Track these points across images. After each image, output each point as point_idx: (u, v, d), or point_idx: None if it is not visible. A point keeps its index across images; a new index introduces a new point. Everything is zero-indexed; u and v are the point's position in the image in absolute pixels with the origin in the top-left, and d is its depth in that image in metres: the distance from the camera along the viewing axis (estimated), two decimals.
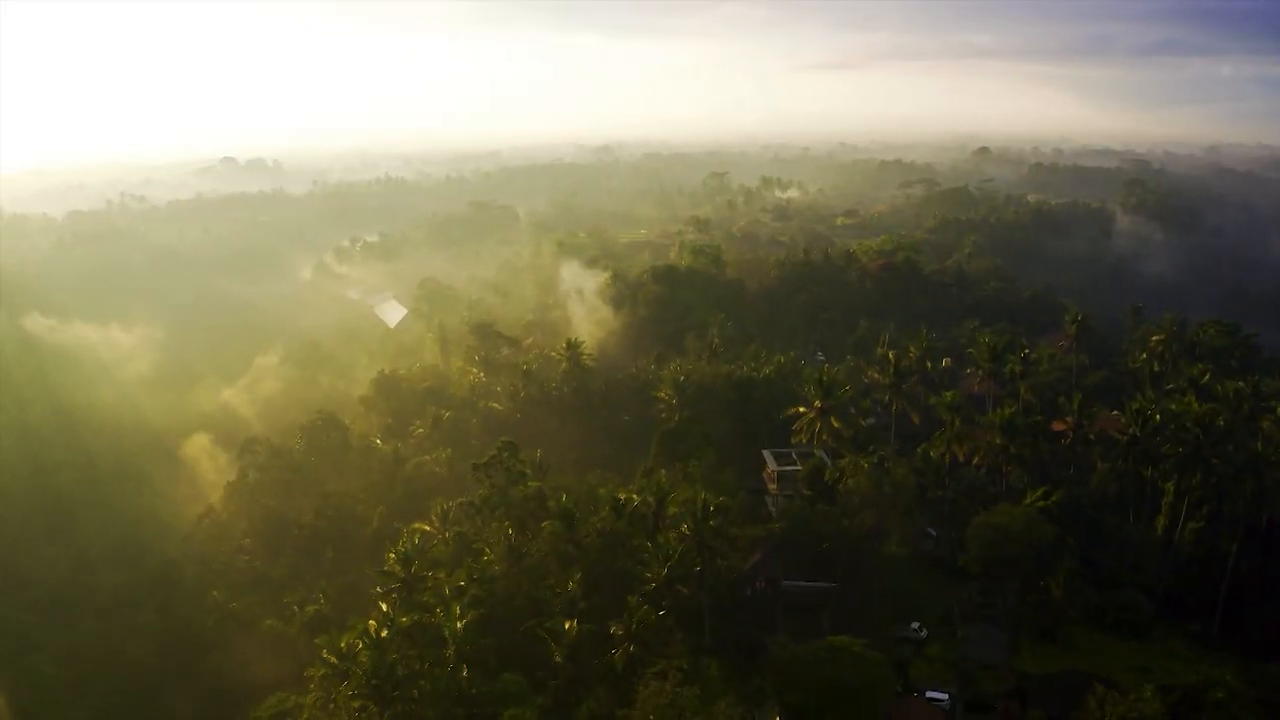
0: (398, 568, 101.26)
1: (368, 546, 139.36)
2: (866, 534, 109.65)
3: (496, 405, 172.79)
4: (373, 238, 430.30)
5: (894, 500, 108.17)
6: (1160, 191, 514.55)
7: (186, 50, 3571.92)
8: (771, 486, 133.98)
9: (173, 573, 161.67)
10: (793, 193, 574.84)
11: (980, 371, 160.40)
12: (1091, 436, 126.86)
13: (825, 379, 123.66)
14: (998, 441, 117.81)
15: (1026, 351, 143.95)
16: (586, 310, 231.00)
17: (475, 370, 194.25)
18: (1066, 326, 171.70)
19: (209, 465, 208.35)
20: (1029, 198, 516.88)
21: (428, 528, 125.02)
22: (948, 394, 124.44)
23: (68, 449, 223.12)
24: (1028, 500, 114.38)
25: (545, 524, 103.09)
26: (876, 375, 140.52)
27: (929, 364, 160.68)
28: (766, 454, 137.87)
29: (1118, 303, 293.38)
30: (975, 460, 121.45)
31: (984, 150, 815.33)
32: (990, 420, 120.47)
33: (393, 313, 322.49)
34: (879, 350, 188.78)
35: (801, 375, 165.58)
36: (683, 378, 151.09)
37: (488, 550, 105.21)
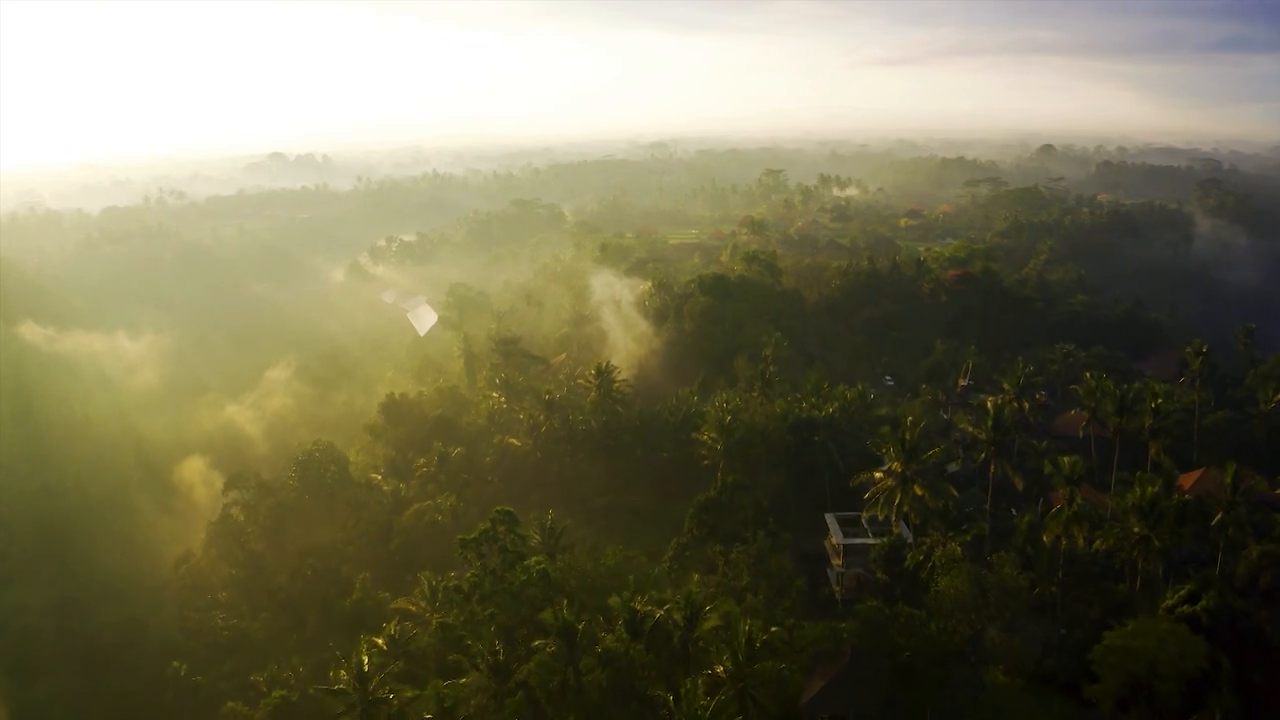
0: (352, 687, 77.89)
1: (348, 618, 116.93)
2: (962, 645, 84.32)
3: (514, 441, 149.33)
4: (410, 237, 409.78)
5: (1000, 607, 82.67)
6: (1237, 192, 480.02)
7: (246, 46, 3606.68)
8: (836, 561, 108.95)
9: (140, 629, 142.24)
10: (851, 191, 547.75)
11: (1086, 414, 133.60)
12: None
13: (908, 436, 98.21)
14: (1136, 530, 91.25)
15: (1159, 401, 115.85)
16: (625, 324, 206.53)
17: (496, 394, 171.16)
18: (1189, 359, 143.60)
19: (204, 493, 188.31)
20: (1101, 198, 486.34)
21: (412, 607, 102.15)
22: (1066, 460, 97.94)
23: (59, 471, 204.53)
24: (1168, 600, 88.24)
25: (538, 643, 79.17)
26: (969, 428, 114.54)
27: (1025, 405, 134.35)
28: (830, 520, 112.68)
29: (1210, 316, 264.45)
30: (1096, 543, 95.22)
31: (1048, 148, 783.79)
32: (1126, 503, 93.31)
33: (423, 319, 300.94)
34: (959, 379, 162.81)
35: (871, 412, 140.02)
36: (729, 418, 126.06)
37: (468, 664, 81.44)
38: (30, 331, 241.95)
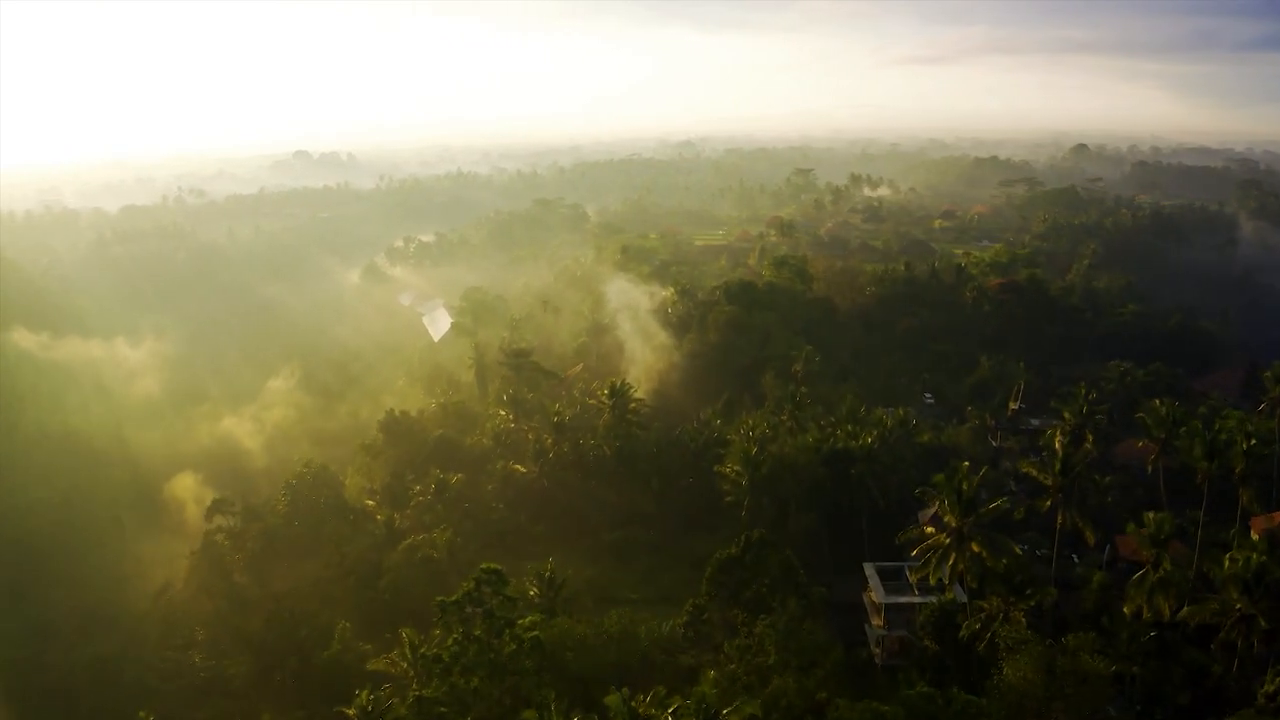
0: None
1: (326, 672, 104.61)
2: None
3: (519, 467, 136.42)
4: (428, 238, 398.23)
5: (1076, 699, 68.81)
6: (1278, 194, 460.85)
7: (277, 45, 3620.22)
8: (876, 621, 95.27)
9: (114, 668, 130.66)
10: (883, 191, 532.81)
11: (1154, 446, 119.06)
12: None
13: (965, 486, 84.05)
14: (1238, 607, 76.80)
15: (1252, 443, 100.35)
16: (645, 334, 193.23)
17: (503, 412, 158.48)
18: (1269, 385, 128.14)
19: (195, 512, 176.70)
20: (1140, 199, 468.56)
21: (393, 669, 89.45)
22: (1151, 518, 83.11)
23: (48, 486, 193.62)
24: (1268, 685, 74.05)
25: None
26: (1033, 471, 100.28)
27: (1090, 438, 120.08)
28: (870, 572, 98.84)
29: (1259, 325, 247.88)
30: (1185, 614, 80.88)
31: (1082, 148, 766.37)
32: (1224, 572, 78.45)
33: (439, 324, 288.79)
34: (1010, 402, 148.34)
35: (913, 440, 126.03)
36: (755, 449, 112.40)
37: None
38: (24, 337, 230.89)
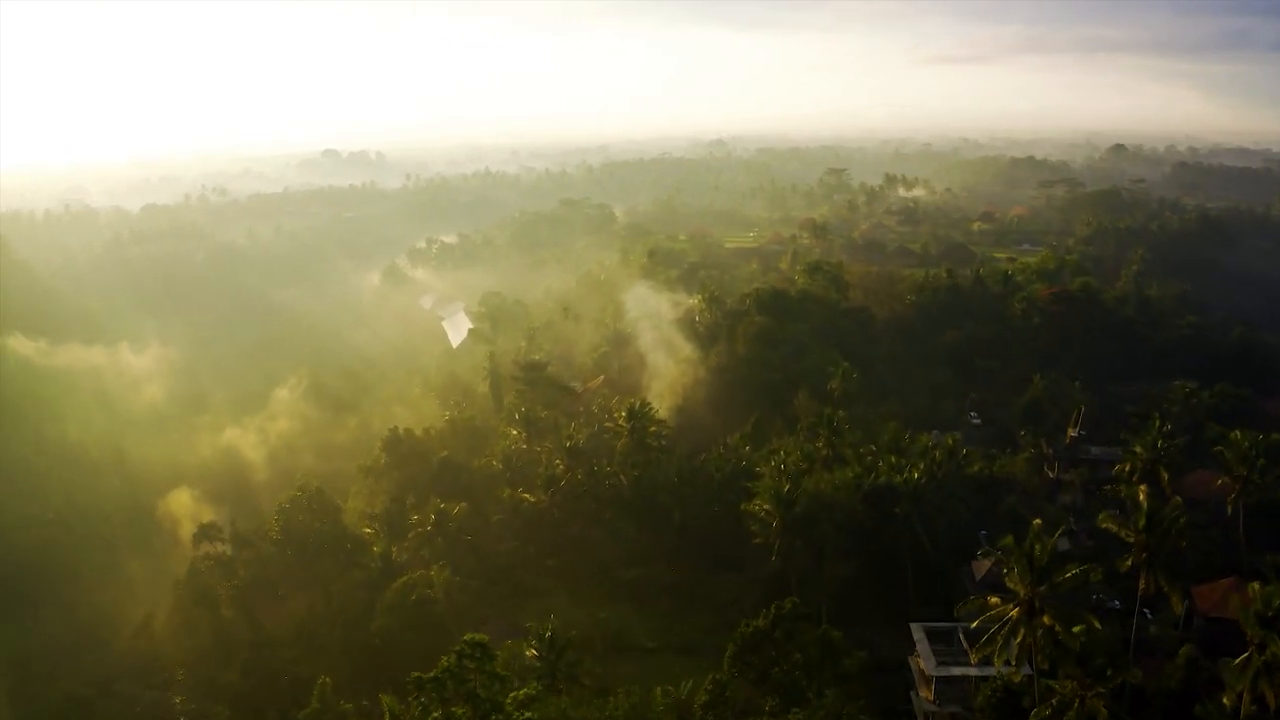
0: None
1: None
2: None
3: (528, 496, 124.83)
4: (450, 238, 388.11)
5: None
6: None
7: (308, 43, 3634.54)
8: (925, 693, 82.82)
9: (87, 707, 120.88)
10: (918, 192, 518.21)
11: (1234, 483, 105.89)
12: None
13: (1037, 550, 71.14)
14: None
15: None
16: (669, 346, 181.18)
17: (515, 432, 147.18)
18: None
19: (190, 530, 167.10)
20: (1184, 201, 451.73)
21: None
22: (1257, 591, 69.76)
23: (43, 501, 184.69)
24: None
25: None
26: (1113, 527, 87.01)
27: (1164, 475, 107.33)
28: (919, 635, 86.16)
29: None
30: None
31: (1120, 148, 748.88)
32: None
33: (458, 329, 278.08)
34: (1069, 428, 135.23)
35: (963, 471, 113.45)
36: (787, 486, 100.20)
37: None
38: (23, 344, 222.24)
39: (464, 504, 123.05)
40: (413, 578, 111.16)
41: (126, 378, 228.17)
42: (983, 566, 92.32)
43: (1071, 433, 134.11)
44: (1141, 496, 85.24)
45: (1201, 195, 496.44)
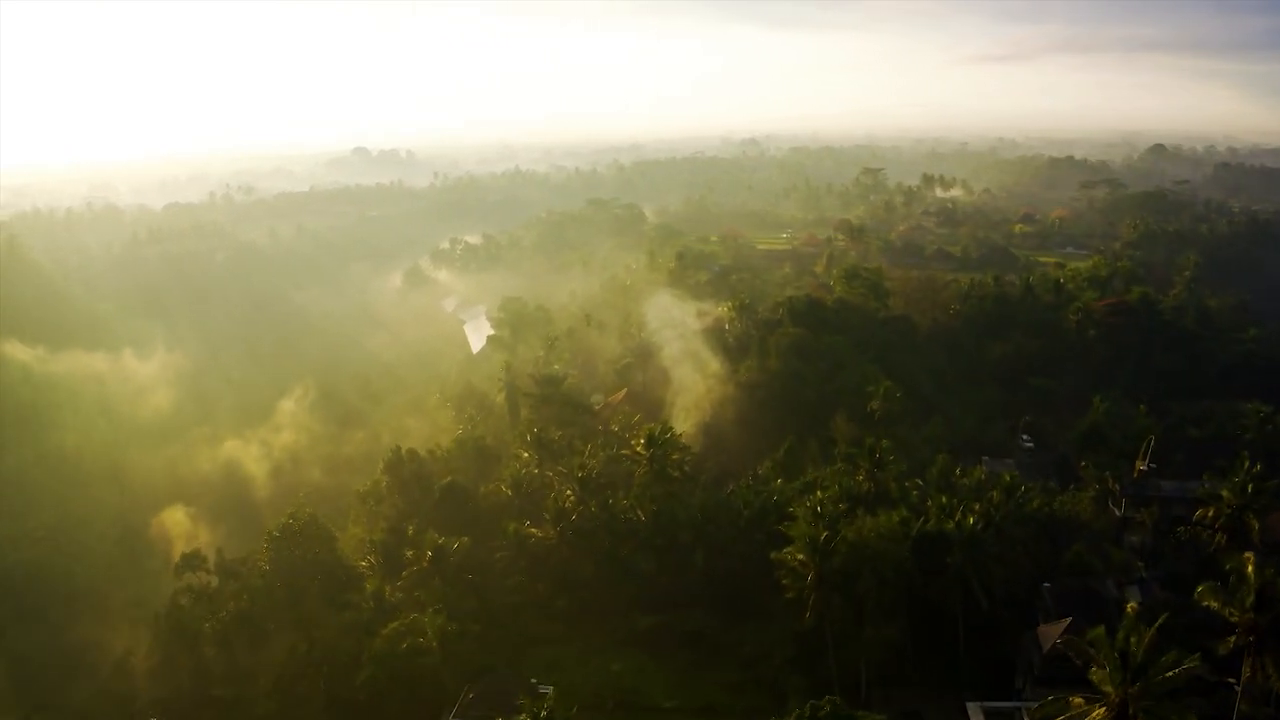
0: None
1: None
2: None
3: (535, 531, 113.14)
4: (475, 239, 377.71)
5: None
6: None
7: (343, 41, 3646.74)
8: None
9: None
10: (956, 192, 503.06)
11: None
12: None
13: (1132, 643, 58.25)
14: None
15: None
16: (697, 359, 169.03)
17: (526, 454, 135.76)
18: None
19: (184, 548, 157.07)
20: (1230, 204, 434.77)
21: None
22: None
23: (35, 516, 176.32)
24: None
25: None
26: (1214, 604, 73.72)
27: (1253, 520, 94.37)
28: (975, 715, 73.83)
29: None
30: None
31: (1159, 148, 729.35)
32: None
33: (478, 334, 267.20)
34: (1137, 462, 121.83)
35: (1023, 510, 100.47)
36: (825, 533, 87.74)
37: None
38: (23, 350, 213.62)
39: (465, 539, 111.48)
40: (405, 623, 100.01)
41: (130, 386, 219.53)
42: (1050, 634, 79.84)
43: (1140, 466, 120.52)
44: (1249, 568, 72.05)
45: (1245, 197, 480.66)
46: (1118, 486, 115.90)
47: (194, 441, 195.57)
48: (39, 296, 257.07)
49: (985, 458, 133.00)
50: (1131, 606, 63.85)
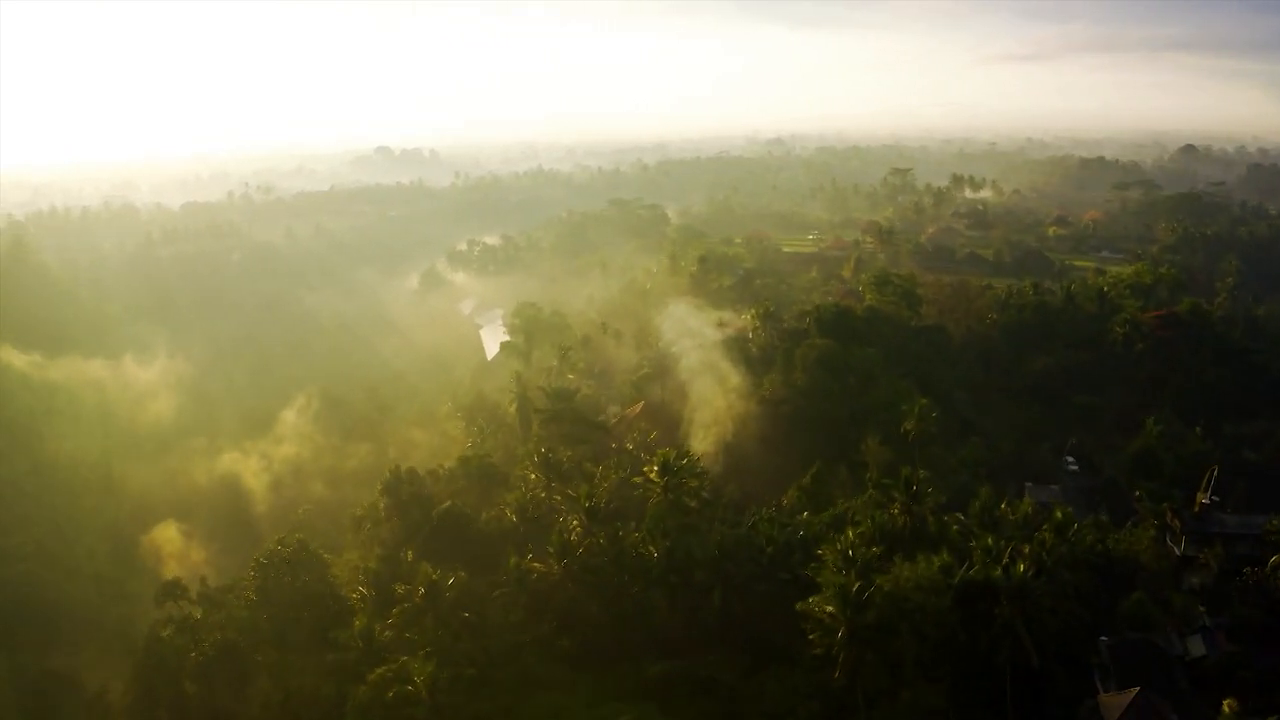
0: None
1: None
2: None
3: (537, 565, 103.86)
4: (494, 240, 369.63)
5: None
6: None
7: (368, 40, 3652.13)
8: None
9: None
10: (986, 193, 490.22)
11: None
12: None
13: None
14: None
15: None
16: (718, 372, 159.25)
17: (534, 476, 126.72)
18: None
19: (176, 568, 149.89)
20: (1267, 206, 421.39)
21: None
22: None
23: (25, 530, 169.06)
24: None
25: None
26: None
27: None
28: None
29: None
30: None
31: (1190, 148, 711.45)
32: None
33: (492, 339, 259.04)
34: (1199, 494, 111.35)
35: (1075, 550, 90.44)
36: (858, 583, 78.06)
37: None
38: (19, 358, 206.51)
39: (461, 574, 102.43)
40: (393, 668, 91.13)
41: (131, 393, 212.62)
42: (1114, 705, 69.96)
43: (1202, 498, 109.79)
44: None
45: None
46: (1178, 522, 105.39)
47: (193, 452, 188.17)
48: (42, 299, 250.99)
49: (1029, 484, 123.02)
50: (1229, 704, 53.67)
